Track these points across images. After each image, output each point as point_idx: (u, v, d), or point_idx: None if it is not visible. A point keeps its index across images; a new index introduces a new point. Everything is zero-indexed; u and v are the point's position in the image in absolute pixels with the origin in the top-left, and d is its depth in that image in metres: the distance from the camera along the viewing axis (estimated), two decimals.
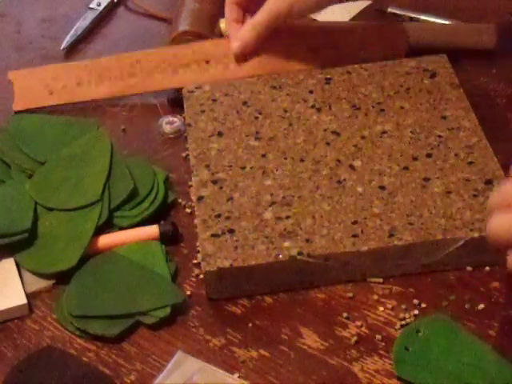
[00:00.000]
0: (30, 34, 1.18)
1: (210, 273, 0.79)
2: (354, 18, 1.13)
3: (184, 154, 0.96)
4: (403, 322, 0.78)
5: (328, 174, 0.87)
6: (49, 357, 0.76)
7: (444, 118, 0.92)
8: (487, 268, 0.81)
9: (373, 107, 0.94)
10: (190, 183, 0.92)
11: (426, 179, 0.85)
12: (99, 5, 1.19)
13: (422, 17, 1.10)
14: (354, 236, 0.81)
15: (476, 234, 0.80)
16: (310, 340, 0.77)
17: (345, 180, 0.86)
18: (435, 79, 0.97)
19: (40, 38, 1.17)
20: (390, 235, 0.80)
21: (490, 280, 0.80)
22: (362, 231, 0.81)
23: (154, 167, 0.92)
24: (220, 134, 0.93)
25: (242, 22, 1.00)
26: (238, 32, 0.99)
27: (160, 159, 0.96)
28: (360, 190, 0.85)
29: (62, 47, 1.13)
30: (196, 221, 0.84)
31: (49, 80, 1.03)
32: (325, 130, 0.92)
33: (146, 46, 1.13)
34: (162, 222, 0.87)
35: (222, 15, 1.11)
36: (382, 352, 0.75)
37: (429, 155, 0.88)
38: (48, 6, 1.22)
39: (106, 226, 0.86)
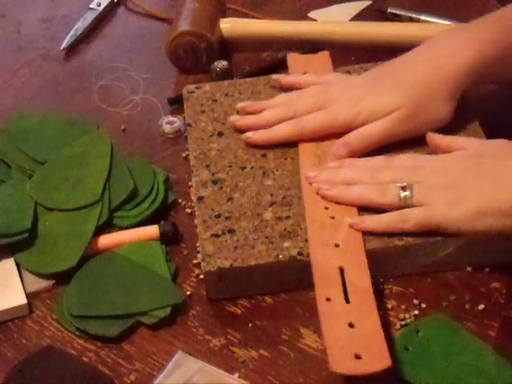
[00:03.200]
0: (29, 34, 1.18)
1: (210, 273, 0.79)
2: (353, 19, 1.13)
3: (184, 154, 0.96)
4: (403, 322, 0.78)
5: None
6: (49, 357, 0.76)
7: None
8: (487, 268, 0.81)
9: None
10: (190, 183, 0.92)
11: None
12: (99, 5, 1.19)
13: (423, 17, 1.10)
14: None
15: None
16: (310, 340, 0.77)
17: None
18: None
19: (40, 38, 1.17)
20: (390, 235, 0.80)
21: (490, 280, 0.80)
22: None
23: (153, 167, 0.92)
24: (220, 134, 0.93)
25: None
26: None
27: (160, 159, 0.96)
28: None
29: (61, 47, 1.13)
30: (196, 221, 0.84)
31: None
32: None
33: (146, 46, 1.14)
34: (162, 222, 0.87)
35: (222, 15, 1.11)
36: None
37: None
38: (48, 6, 1.23)
39: (106, 226, 0.86)
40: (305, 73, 0.98)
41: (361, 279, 0.77)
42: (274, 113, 0.91)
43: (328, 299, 0.75)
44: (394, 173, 0.82)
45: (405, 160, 0.84)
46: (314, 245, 0.79)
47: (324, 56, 1.01)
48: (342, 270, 0.77)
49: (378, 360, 0.70)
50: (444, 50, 0.88)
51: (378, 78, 0.90)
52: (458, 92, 0.88)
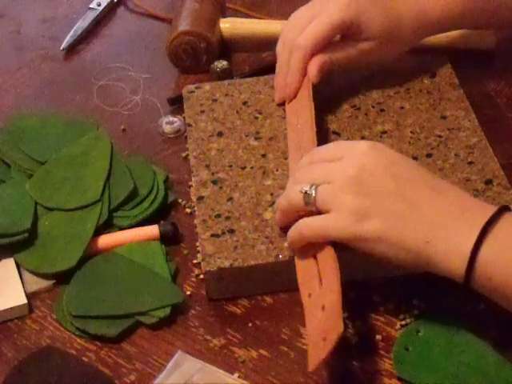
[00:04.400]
0: (29, 34, 1.18)
1: (210, 273, 0.79)
2: None
3: (184, 154, 0.96)
4: (403, 322, 0.78)
5: None
6: (49, 357, 0.76)
7: (444, 117, 0.92)
8: None
9: (373, 107, 0.94)
10: (190, 183, 0.92)
11: None
12: (99, 5, 1.19)
13: None
14: None
15: None
16: None
17: None
18: (435, 79, 0.97)
19: (40, 38, 1.17)
20: None
21: None
22: None
23: (153, 167, 0.92)
24: (220, 134, 0.93)
25: None
26: None
27: (160, 159, 0.96)
28: None
29: (61, 47, 1.13)
30: (196, 221, 0.84)
31: None
32: (325, 130, 0.92)
33: (146, 46, 1.14)
34: (162, 222, 0.87)
35: (222, 15, 1.11)
36: (382, 352, 0.75)
37: (429, 155, 0.88)
38: (48, 5, 1.23)
39: (106, 226, 0.86)
40: None
41: (326, 258, 0.75)
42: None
43: (310, 295, 0.75)
44: (308, 171, 0.77)
45: (325, 153, 0.78)
46: None
47: None
48: (316, 260, 0.76)
49: (333, 331, 0.67)
50: None
51: None
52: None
